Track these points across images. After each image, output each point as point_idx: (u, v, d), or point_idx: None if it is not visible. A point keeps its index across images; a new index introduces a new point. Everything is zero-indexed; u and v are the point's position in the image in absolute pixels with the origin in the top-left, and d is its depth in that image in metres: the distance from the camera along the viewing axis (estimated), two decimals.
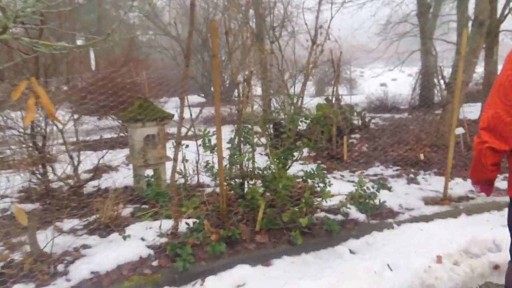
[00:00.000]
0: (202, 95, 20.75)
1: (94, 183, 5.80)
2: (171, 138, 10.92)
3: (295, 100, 4.61)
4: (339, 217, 4.24)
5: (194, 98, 18.36)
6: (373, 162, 6.80)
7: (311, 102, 10.92)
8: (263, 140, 4.54)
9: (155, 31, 22.10)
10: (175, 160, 3.40)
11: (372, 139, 8.58)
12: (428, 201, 4.76)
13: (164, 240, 3.58)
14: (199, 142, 3.77)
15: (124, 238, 3.55)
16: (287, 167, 4.09)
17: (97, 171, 6.48)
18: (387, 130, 9.62)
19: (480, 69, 11.60)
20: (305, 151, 7.74)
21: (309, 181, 4.21)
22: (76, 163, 5.13)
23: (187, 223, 3.78)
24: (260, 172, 3.96)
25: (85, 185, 5.29)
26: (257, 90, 13.36)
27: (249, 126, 4.20)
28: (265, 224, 3.78)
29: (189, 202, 3.50)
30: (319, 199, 4.13)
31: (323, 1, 7.05)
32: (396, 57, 13.92)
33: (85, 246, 3.52)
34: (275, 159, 3.73)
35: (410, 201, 4.73)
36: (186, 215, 3.62)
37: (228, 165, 4.14)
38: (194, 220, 3.86)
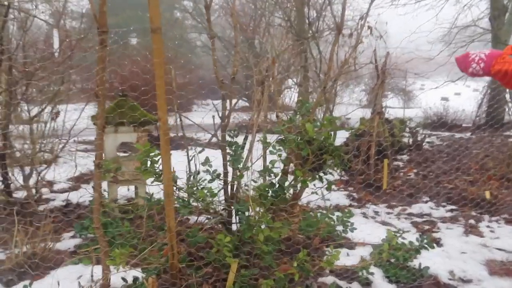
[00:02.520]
0: (245, 99, 19.73)
1: (71, 196, 4.83)
2: (195, 144, 9.90)
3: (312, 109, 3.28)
4: (355, 286, 2.87)
5: (238, 102, 17.35)
6: (420, 195, 5.28)
7: (357, 113, 9.44)
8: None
9: (200, 30, 21.48)
10: (95, 189, 2.24)
11: (423, 163, 6.99)
12: (494, 269, 3.24)
13: None
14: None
15: None
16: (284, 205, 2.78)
17: (77, 181, 5.55)
18: (443, 152, 7.95)
19: None
20: (335, 173, 6.36)
21: (326, 218, 2.89)
22: (29, 171, 4.16)
23: (124, 279, 2.62)
24: (239, 213, 2.70)
25: (38, 198, 4.28)
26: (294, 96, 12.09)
27: (234, 140, 2.96)
28: None
29: (118, 250, 2.31)
30: (330, 254, 2.78)
31: None
32: None
33: None
34: (258, 196, 2.45)
35: (467, 266, 3.24)
36: (117, 265, 2.45)
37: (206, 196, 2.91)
38: (143, 272, 2.70)
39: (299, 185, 2.69)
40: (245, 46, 18.40)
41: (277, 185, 2.57)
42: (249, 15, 18.32)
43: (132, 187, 4.97)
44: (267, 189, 2.50)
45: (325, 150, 2.39)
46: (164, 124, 2.20)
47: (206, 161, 2.99)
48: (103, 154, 4.20)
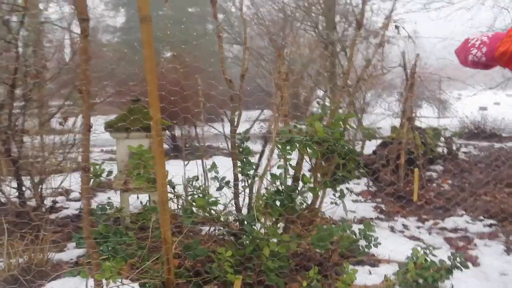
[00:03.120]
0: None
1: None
2: (220, 153, 9.71)
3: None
4: None
5: (264, 112, 17.13)
6: (455, 208, 4.85)
7: (389, 123, 9.01)
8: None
9: (230, 41, 21.46)
10: (83, 196, 2.05)
11: (459, 173, 6.50)
12: None
13: None
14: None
15: None
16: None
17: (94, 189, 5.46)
18: (481, 162, 7.41)
19: None
20: (362, 183, 6.00)
21: (344, 232, 2.61)
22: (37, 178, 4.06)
23: None
24: (245, 224, 2.44)
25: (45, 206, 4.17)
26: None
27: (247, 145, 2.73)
28: None
29: (109, 263, 2.11)
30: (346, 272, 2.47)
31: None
32: (500, 73, 11.28)
33: None
34: (262, 205, 2.20)
35: None
36: (107, 279, 2.24)
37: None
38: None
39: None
40: (273, 56, 18.21)
41: (284, 193, 2.31)
42: (278, 24, 18.13)
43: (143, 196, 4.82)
44: (273, 197, 2.24)
45: (338, 153, 2.11)
46: (157, 124, 2.00)
47: (213, 167, 2.78)
48: (118, 161, 4.11)
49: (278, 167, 2.32)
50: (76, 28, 6.23)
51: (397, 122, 9.41)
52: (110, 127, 3.87)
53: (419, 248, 2.69)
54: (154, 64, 1.90)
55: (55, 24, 4.85)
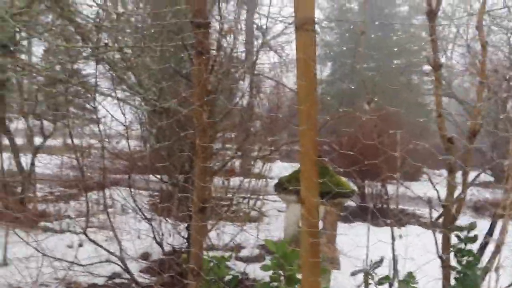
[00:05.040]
0: (489, 172, 16.09)
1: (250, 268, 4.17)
2: (416, 222, 8.05)
3: None
4: None
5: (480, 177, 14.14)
6: None
7: None
8: None
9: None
10: None
11: None
12: None
13: None
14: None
15: None
16: None
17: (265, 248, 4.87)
18: None
19: None
20: None
21: None
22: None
23: None
24: None
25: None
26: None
27: None
28: None
29: None
30: None
31: None
32: None
33: None
34: None
35: None
36: None
37: None
38: None
39: None
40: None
41: None
42: (502, 75, 15.34)
43: None
44: None
45: None
46: (311, 215, 1.12)
47: (410, 279, 1.74)
48: (285, 227, 3.42)
49: None
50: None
51: None
52: (280, 185, 3.21)
53: None
54: (314, 106, 1.07)
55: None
